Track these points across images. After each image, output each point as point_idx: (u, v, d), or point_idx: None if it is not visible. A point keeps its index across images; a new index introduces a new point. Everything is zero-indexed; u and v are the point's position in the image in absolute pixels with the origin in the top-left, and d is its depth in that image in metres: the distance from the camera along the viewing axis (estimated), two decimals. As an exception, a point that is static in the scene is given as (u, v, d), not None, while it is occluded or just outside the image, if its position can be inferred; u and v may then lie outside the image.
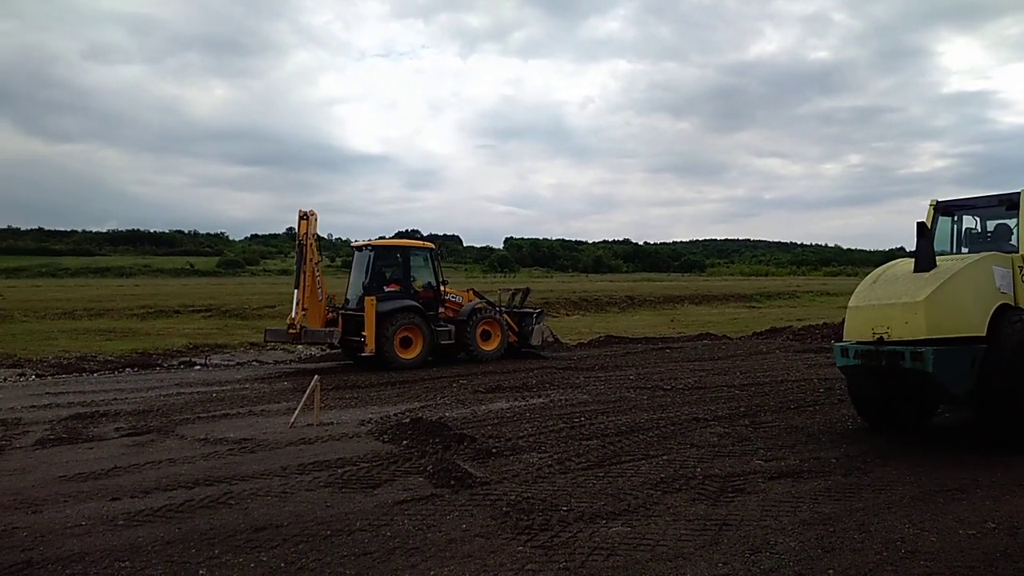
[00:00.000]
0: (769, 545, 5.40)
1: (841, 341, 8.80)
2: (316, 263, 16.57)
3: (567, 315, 35.72)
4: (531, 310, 19.65)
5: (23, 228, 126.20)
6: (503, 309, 18.99)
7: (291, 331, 16.37)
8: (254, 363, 18.51)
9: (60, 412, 11.21)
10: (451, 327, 17.53)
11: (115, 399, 12.55)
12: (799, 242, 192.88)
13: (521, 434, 9.13)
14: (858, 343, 8.36)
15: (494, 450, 8.24)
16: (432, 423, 9.59)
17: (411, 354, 16.60)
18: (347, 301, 17.74)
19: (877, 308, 8.20)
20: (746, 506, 6.31)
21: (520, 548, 5.36)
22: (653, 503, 6.39)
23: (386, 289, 17.00)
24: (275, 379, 15.37)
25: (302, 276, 16.39)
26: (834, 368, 15.37)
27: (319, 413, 10.31)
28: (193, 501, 6.53)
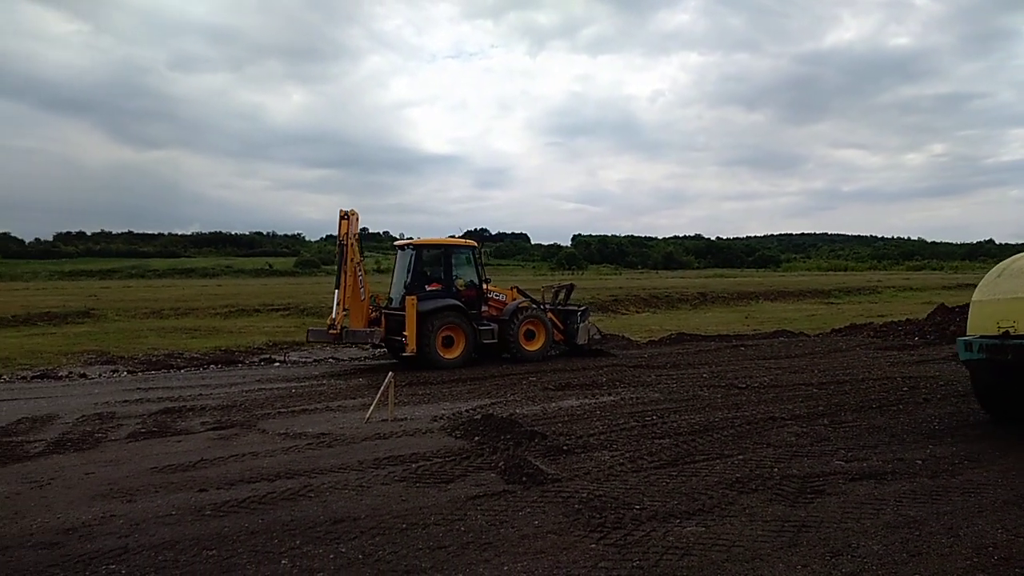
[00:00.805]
0: (851, 548, 5.24)
1: (965, 336, 8.61)
2: (358, 263, 16.52)
3: (637, 312, 35.35)
4: (576, 307, 19.15)
5: (114, 232, 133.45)
6: (547, 307, 18.71)
7: (332, 331, 16.31)
8: (330, 360, 19.00)
9: (150, 407, 11.78)
10: (494, 326, 17.21)
11: (201, 394, 13.11)
12: (879, 236, 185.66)
13: (592, 432, 9.11)
14: (983, 337, 8.20)
15: (565, 447, 8.25)
16: (503, 420, 9.67)
17: (453, 354, 16.39)
18: (390, 300, 17.69)
19: (1003, 302, 8.06)
20: (826, 507, 6.14)
21: (593, 546, 5.36)
22: (728, 503, 6.29)
23: (427, 288, 16.88)
24: (351, 375, 15.75)
25: (343, 276, 16.35)
26: (919, 366, 14.80)
27: (393, 409, 10.52)
28: (275, 493, 6.77)
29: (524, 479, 7.03)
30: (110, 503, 6.66)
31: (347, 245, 16.38)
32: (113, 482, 7.36)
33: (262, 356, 19.58)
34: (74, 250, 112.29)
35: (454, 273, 17.36)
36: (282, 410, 11.42)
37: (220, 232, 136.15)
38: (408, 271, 17.06)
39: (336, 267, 16.79)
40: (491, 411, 10.55)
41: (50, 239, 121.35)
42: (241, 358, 19.18)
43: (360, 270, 16.56)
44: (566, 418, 10.10)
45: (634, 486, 6.80)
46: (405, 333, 15.86)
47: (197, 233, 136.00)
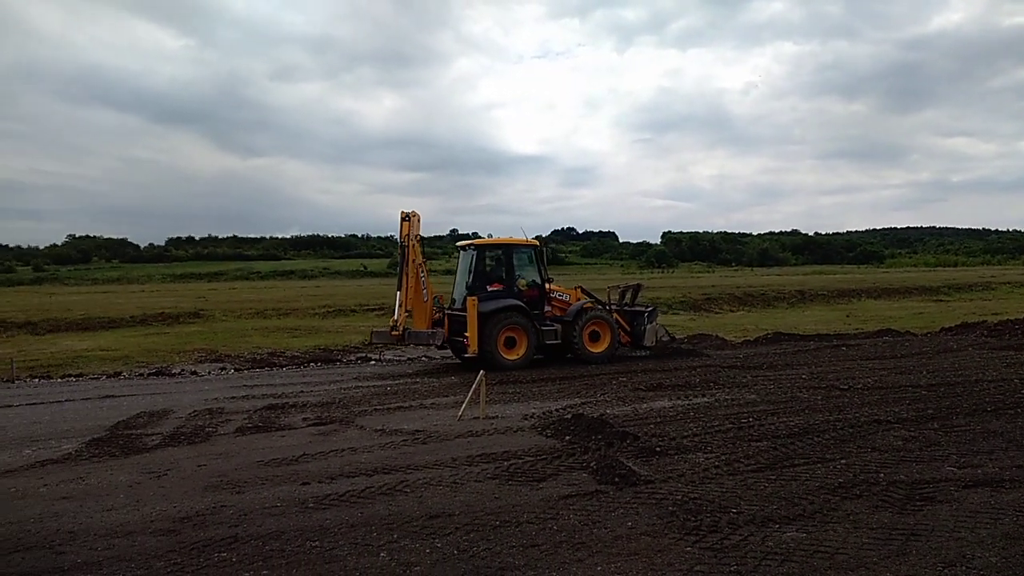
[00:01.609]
0: (965, 559, 4.96)
1: None
2: (420, 264, 16.54)
3: (731, 311, 34.46)
4: (643, 308, 18.63)
5: (221, 236, 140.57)
6: (613, 308, 18.29)
7: (394, 333, 16.42)
8: (423, 359, 19.40)
9: (255, 403, 12.36)
10: (557, 327, 16.91)
11: (302, 391, 13.65)
12: (993, 228, 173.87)
13: (685, 433, 8.96)
14: None
15: (658, 449, 8.15)
16: (594, 420, 9.63)
17: (515, 355, 16.23)
18: (453, 301, 17.64)
19: None
20: (937, 516, 5.83)
21: (688, 549, 5.28)
22: (831, 509, 6.06)
23: (489, 288, 16.73)
24: (443, 374, 16.04)
25: (404, 278, 16.41)
26: (1041, 368, 13.79)
27: (485, 407, 10.66)
28: (373, 488, 6.98)
29: (616, 480, 6.99)
30: (220, 494, 7.03)
31: (408, 246, 16.45)
32: (223, 474, 7.77)
33: (358, 355, 20.19)
34: (184, 254, 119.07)
35: (516, 273, 17.19)
36: (378, 407, 11.75)
37: (318, 235, 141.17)
38: (470, 272, 16.98)
39: (398, 269, 16.89)
40: (581, 411, 10.53)
41: (163, 244, 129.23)
42: (339, 356, 19.84)
43: (422, 271, 16.57)
44: (658, 419, 9.96)
45: (730, 489, 6.65)
46: (467, 334, 15.86)
47: (296, 236, 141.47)
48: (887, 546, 5.24)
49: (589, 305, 17.63)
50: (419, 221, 16.83)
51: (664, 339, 18.52)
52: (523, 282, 17.24)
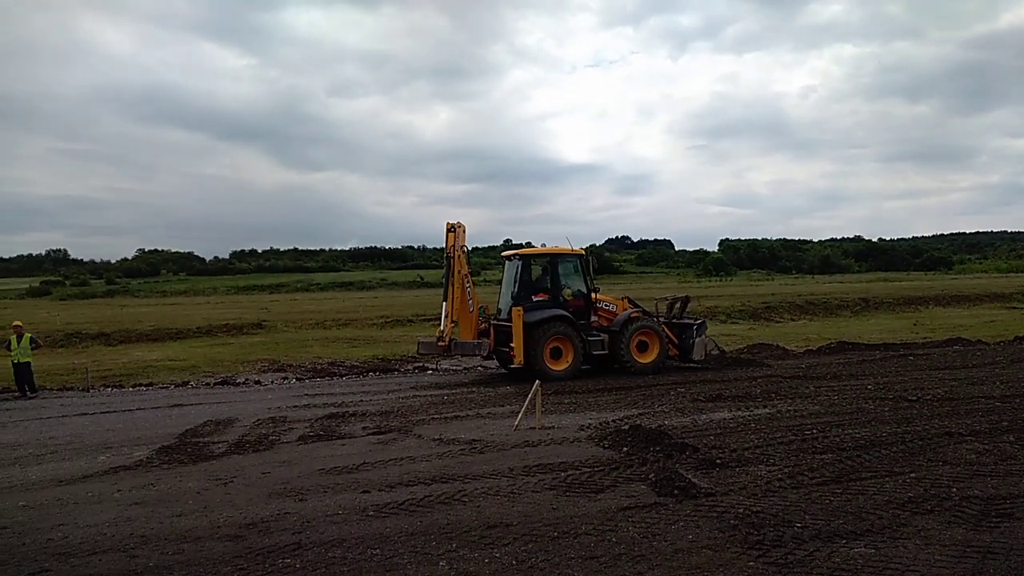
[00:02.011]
0: (1048, 581, 4.73)
1: None
2: (465, 275, 16.53)
3: (791, 320, 33.65)
4: (691, 321, 18.24)
5: (282, 248, 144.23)
6: (661, 320, 17.91)
7: (440, 344, 16.40)
8: (479, 368, 19.50)
9: (316, 412, 12.61)
10: (604, 337, 16.69)
11: (361, 400, 13.87)
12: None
13: (747, 445, 8.78)
14: None
15: (718, 461, 8.01)
16: (652, 431, 9.52)
17: (561, 365, 16.08)
18: (498, 311, 17.57)
19: None
20: (1015, 533, 5.58)
21: (751, 563, 5.17)
22: (900, 524, 5.86)
23: (534, 298, 16.63)
24: (498, 384, 16.09)
25: (451, 288, 16.38)
26: None
27: (541, 417, 10.65)
28: (431, 497, 7.05)
29: (676, 492, 6.90)
30: (284, 501, 7.19)
31: (454, 257, 16.44)
32: (286, 482, 7.95)
33: (415, 364, 20.41)
34: (247, 266, 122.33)
35: (562, 283, 17.04)
36: (435, 416, 11.86)
37: (375, 247, 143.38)
38: (515, 282, 16.94)
39: (444, 280, 16.95)
40: (639, 422, 10.42)
41: (227, 257, 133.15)
42: (396, 366, 20.11)
43: (468, 282, 16.59)
44: (718, 430, 9.80)
45: (794, 503, 6.49)
46: (513, 344, 15.79)
47: (355, 248, 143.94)
48: (961, 564, 5.04)
49: (637, 314, 17.39)
50: (464, 232, 16.91)
51: (714, 352, 18.11)
52: (569, 292, 17.13)
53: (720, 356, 18.26)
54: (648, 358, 16.86)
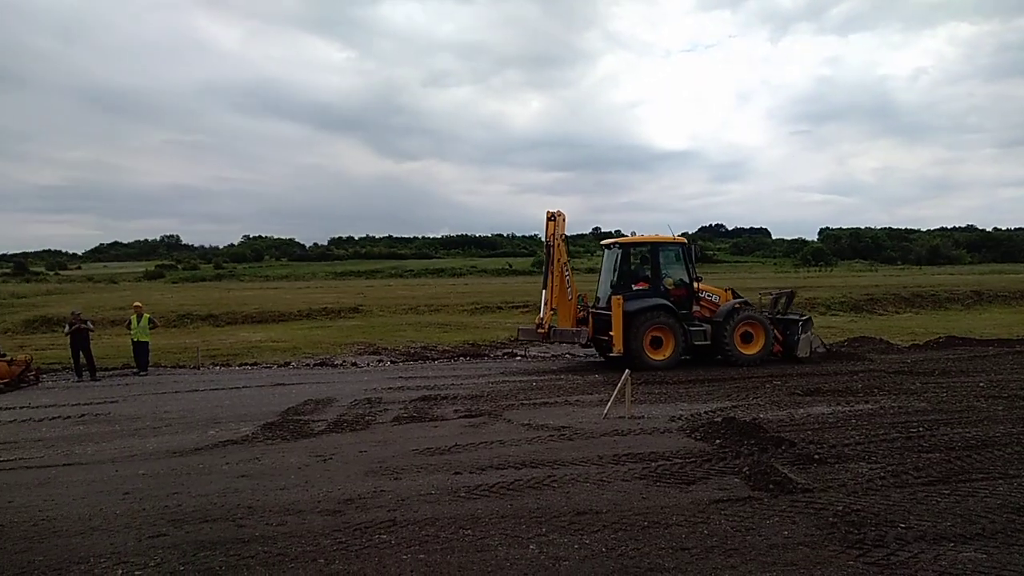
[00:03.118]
0: None
1: None
2: (564, 263, 16.48)
3: (896, 312, 32.06)
4: (797, 317, 17.45)
5: (377, 236, 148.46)
6: (766, 315, 17.29)
7: (540, 331, 16.44)
8: (567, 356, 19.52)
9: (410, 394, 12.95)
10: (706, 327, 16.32)
11: (452, 384, 14.15)
12: None
13: (847, 441, 8.46)
14: None
15: (816, 456, 7.75)
16: (746, 424, 9.30)
17: (662, 355, 15.81)
18: (597, 300, 17.44)
19: None
20: None
21: (851, 563, 5.00)
22: (1016, 530, 5.53)
23: (634, 287, 16.39)
24: (587, 371, 16.07)
25: (550, 276, 16.39)
26: None
27: (631, 406, 10.58)
28: (521, 481, 7.13)
29: (771, 486, 6.72)
30: (380, 479, 7.44)
31: (554, 245, 16.46)
32: (382, 460, 8.21)
33: (504, 350, 20.62)
34: (344, 253, 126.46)
35: (663, 272, 16.76)
36: (524, 402, 11.96)
37: (465, 235, 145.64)
38: (614, 270, 16.79)
39: (543, 267, 16.96)
40: (732, 414, 10.20)
41: (326, 243, 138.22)
42: (486, 352, 20.37)
43: (567, 270, 16.56)
44: (816, 425, 9.47)
45: (898, 503, 6.22)
46: (612, 333, 15.67)
47: (446, 236, 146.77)
48: (1086, 576, 4.71)
49: (741, 304, 16.94)
50: (564, 221, 16.90)
51: (819, 350, 17.41)
52: (670, 281, 16.85)
53: (825, 354, 17.56)
54: (752, 349, 16.47)
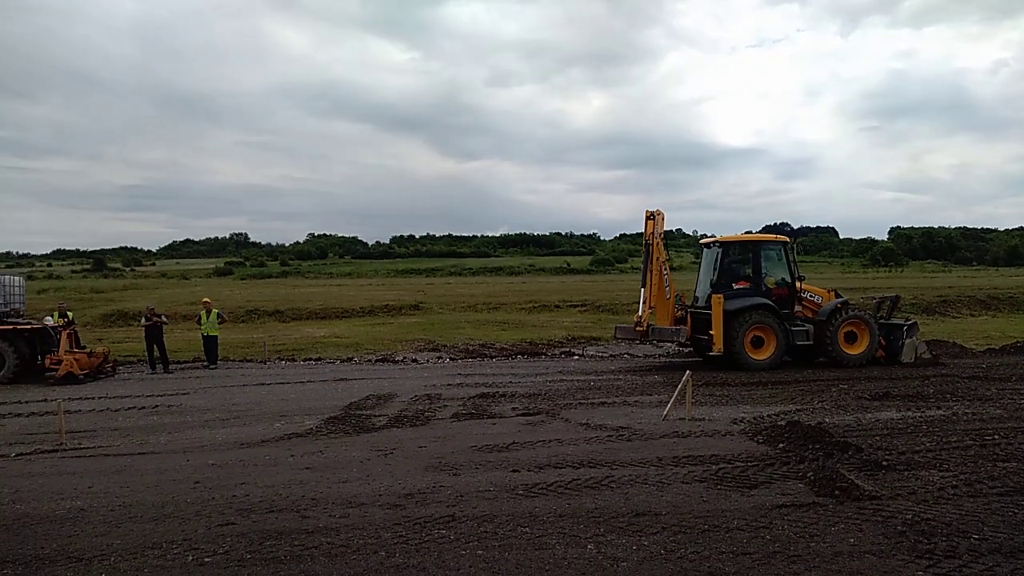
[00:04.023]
0: None
1: None
2: (663, 262, 16.43)
3: (971, 315, 30.76)
4: (901, 322, 17.04)
5: (437, 235, 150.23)
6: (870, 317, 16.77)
7: (638, 329, 16.42)
8: (626, 356, 19.38)
9: (468, 391, 13.07)
10: (809, 327, 16.01)
11: (510, 382, 14.22)
12: None
13: (917, 448, 8.18)
14: None
15: (884, 463, 7.52)
16: (811, 428, 9.08)
17: (763, 355, 15.59)
18: (696, 299, 17.31)
19: None
20: None
21: (920, 573, 4.84)
22: (1101, 546, 5.25)
23: (735, 286, 16.19)
24: (646, 372, 15.93)
25: (649, 275, 16.36)
26: None
27: (691, 408, 10.44)
28: (579, 480, 7.13)
29: (837, 493, 6.55)
30: (439, 475, 7.54)
31: (653, 244, 16.44)
32: (441, 456, 8.32)
33: (562, 349, 20.61)
34: (405, 251, 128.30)
35: (764, 271, 16.53)
36: (582, 401, 11.94)
37: (523, 233, 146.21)
38: (714, 269, 16.65)
39: (642, 266, 16.98)
40: (796, 418, 9.97)
41: (387, 242, 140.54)
42: (544, 350, 20.39)
43: (666, 269, 16.54)
44: (884, 431, 9.18)
45: (971, 512, 5.98)
46: (711, 332, 15.55)
47: (504, 235, 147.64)
48: None
49: (843, 304, 16.56)
50: (663, 219, 16.89)
51: (925, 356, 16.67)
52: (771, 280, 16.65)
53: (932, 360, 16.65)
54: (856, 350, 16.12)
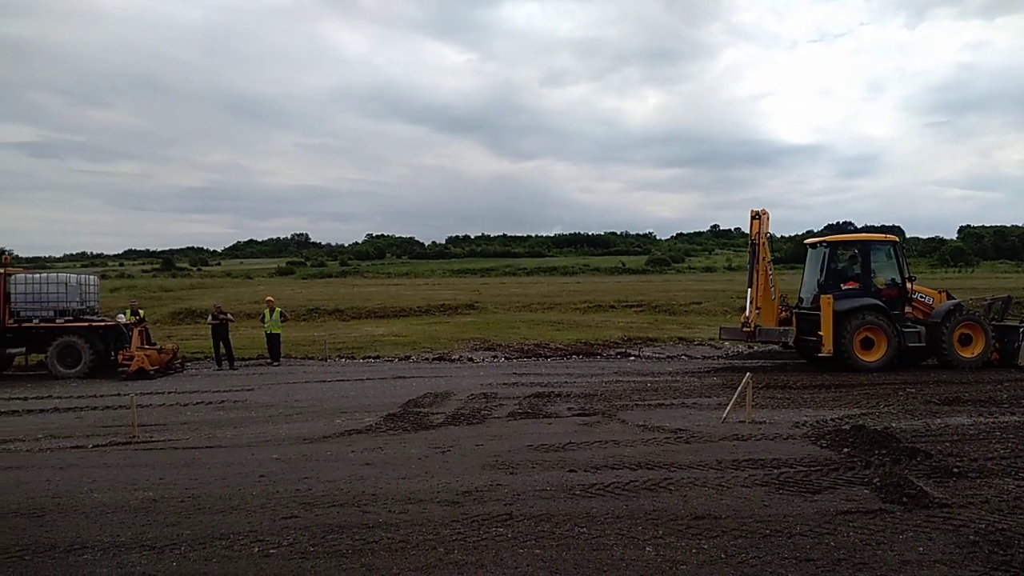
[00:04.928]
0: None
1: None
2: (768, 262, 16.26)
3: (1051, 318, 29.36)
4: (1017, 324, 16.46)
5: (492, 235, 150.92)
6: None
7: (745, 329, 16.30)
8: (683, 357, 19.15)
9: (524, 390, 13.11)
10: (920, 329, 15.58)
11: (565, 382, 14.20)
12: None
13: (990, 455, 7.87)
14: None
15: (955, 470, 7.26)
16: (876, 432, 8.82)
17: (873, 356, 15.25)
18: (800, 300, 17.07)
19: None
20: None
21: (995, 585, 4.66)
22: None
23: (843, 287, 15.88)
24: (704, 374, 15.71)
25: (755, 275, 16.20)
26: None
27: (751, 411, 10.26)
28: (637, 482, 7.08)
29: (904, 500, 6.35)
30: (496, 473, 7.59)
31: (759, 244, 16.29)
32: (498, 455, 8.37)
33: (617, 350, 20.47)
34: (460, 251, 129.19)
35: (873, 271, 16.18)
36: (639, 402, 11.85)
37: (578, 233, 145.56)
38: (821, 269, 16.39)
39: (748, 266, 16.81)
40: (861, 422, 9.70)
41: (443, 242, 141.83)
42: (599, 351, 20.30)
43: (770, 269, 16.36)
44: (955, 437, 8.86)
45: (1050, 524, 5.73)
46: (820, 333, 15.29)
47: (559, 234, 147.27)
48: None
49: (956, 306, 16.09)
50: (768, 219, 16.71)
51: None
52: (881, 280, 16.32)
53: None
54: (971, 353, 15.68)
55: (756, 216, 16.38)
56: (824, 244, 16.66)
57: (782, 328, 16.08)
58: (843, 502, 6.39)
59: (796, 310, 16.62)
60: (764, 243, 16.22)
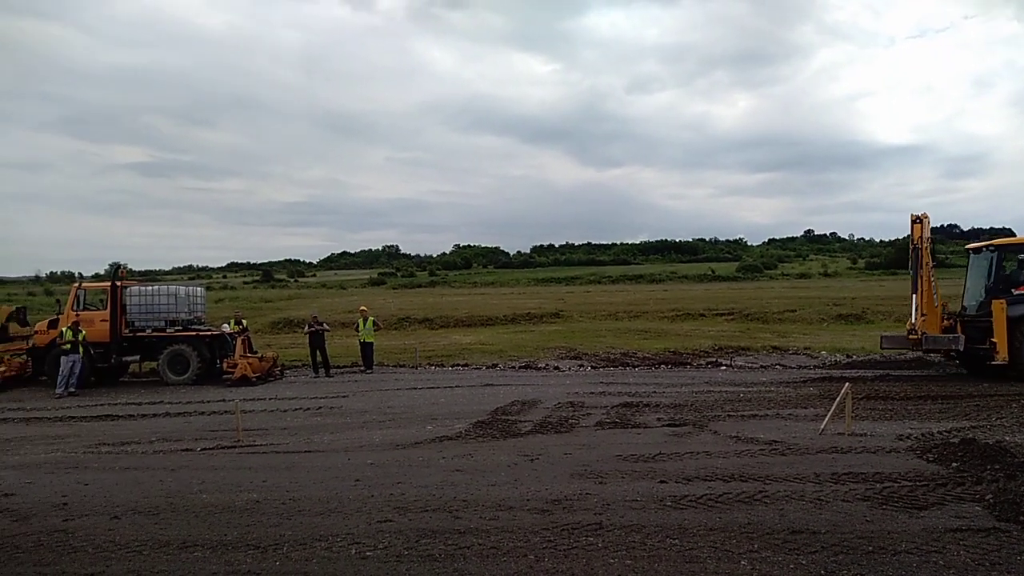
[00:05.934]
0: None
1: None
2: (931, 267, 15.65)
3: None
4: None
5: (576, 243, 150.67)
6: None
7: (912, 337, 15.66)
8: (777, 367, 18.58)
9: (612, 400, 13.02)
10: None
11: (654, 392, 14.02)
12: None
13: (1121, 473, 7.29)
14: None
15: (1080, 488, 6.76)
16: (988, 447, 8.32)
17: None
18: (963, 307, 16.38)
19: None
20: None
21: None
22: None
23: (1014, 292, 15.14)
24: (800, 384, 15.20)
25: (919, 281, 15.61)
26: None
27: (851, 423, 9.86)
28: (730, 494, 6.92)
29: (1021, 518, 5.97)
30: (585, 482, 7.57)
31: (922, 248, 15.76)
32: (586, 464, 8.35)
33: (708, 359, 20.05)
34: (545, 260, 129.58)
35: None
36: (731, 413, 11.58)
37: (665, 240, 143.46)
38: (989, 275, 15.75)
39: (911, 272, 16.24)
40: (971, 435, 9.16)
41: (528, 251, 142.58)
42: (688, 360, 19.94)
43: (932, 275, 15.81)
44: (1079, 453, 8.25)
45: None
46: (992, 340, 14.64)
47: (645, 242, 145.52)
48: None
49: None
50: (929, 223, 16.19)
51: None
52: None
53: None
54: None
55: (917, 220, 15.74)
56: (991, 248, 15.92)
57: (952, 335, 15.37)
58: (952, 519, 6.06)
59: (960, 317, 15.89)
60: (926, 248, 15.56)
